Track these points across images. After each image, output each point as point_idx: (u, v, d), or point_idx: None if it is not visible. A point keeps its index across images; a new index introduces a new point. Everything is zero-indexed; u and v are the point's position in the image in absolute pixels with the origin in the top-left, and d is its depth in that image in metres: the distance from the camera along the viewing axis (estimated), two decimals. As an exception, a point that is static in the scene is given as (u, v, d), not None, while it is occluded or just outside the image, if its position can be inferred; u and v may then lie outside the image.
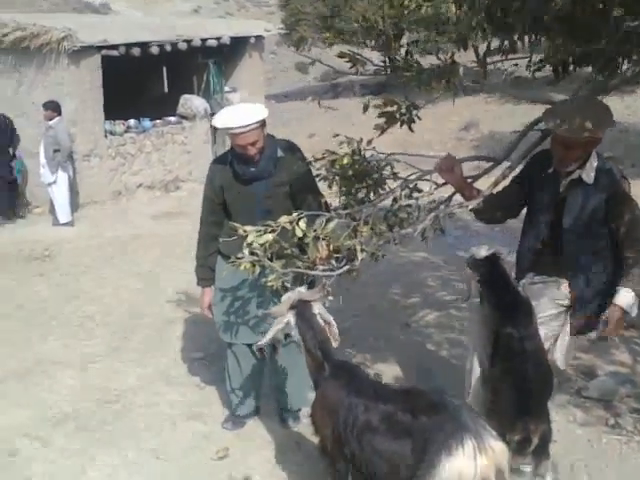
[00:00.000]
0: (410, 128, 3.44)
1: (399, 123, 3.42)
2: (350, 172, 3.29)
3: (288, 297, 3.03)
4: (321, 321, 2.98)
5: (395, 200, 3.47)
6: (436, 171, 3.30)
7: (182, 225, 9.44)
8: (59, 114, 9.38)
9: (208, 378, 4.70)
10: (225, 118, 3.49)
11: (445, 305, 5.85)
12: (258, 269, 3.07)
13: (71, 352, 5.12)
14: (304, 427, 4.03)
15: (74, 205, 10.04)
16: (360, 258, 3.11)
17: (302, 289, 3.07)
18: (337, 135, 3.47)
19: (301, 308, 2.97)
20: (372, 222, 3.22)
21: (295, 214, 3.05)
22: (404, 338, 5.28)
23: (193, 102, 11.87)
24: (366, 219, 3.21)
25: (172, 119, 11.88)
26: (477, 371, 3.47)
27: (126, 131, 11.16)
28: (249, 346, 3.83)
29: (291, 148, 3.73)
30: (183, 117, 11.97)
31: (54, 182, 9.57)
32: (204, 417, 4.24)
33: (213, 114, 12.55)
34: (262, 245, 3.01)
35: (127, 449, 3.86)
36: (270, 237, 3.00)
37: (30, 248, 8.15)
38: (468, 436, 2.45)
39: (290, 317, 2.98)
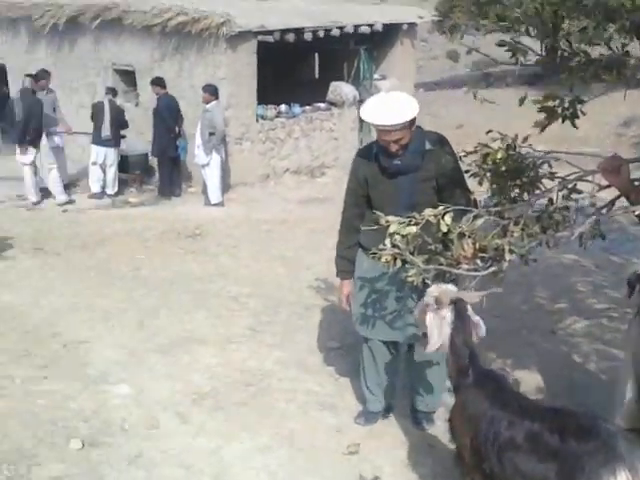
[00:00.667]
0: (573, 124, 3.15)
1: (561, 119, 3.14)
2: (503, 168, 3.06)
3: (445, 290, 2.84)
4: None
5: (551, 201, 3.21)
6: (600, 172, 3.00)
7: (326, 212, 9.48)
8: (216, 98, 9.68)
9: (343, 369, 4.65)
10: (373, 113, 3.32)
11: (596, 313, 5.43)
12: (399, 263, 2.93)
13: (213, 330, 5.23)
14: (437, 430, 3.90)
15: (225, 186, 10.37)
16: (508, 259, 2.89)
17: (452, 286, 2.89)
18: (490, 131, 3.24)
19: (460, 306, 2.80)
20: (524, 222, 2.98)
21: (441, 207, 2.88)
22: (548, 346, 4.95)
23: (342, 89, 11.86)
24: (517, 219, 2.98)
25: (321, 105, 11.96)
26: (632, 390, 3.15)
27: (277, 116, 11.34)
28: (385, 342, 3.72)
29: (440, 141, 3.54)
30: (332, 104, 12.02)
31: (207, 164, 9.91)
32: (337, 409, 4.18)
33: (362, 101, 12.46)
34: (404, 237, 2.86)
35: (261, 432, 3.87)
36: (414, 229, 2.84)
37: (183, 226, 8.48)
38: (622, 468, 2.21)
39: (448, 313, 2.80)
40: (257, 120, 10.97)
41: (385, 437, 3.87)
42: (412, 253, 2.92)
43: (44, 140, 9.83)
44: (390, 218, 2.89)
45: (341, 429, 3.96)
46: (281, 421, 4.01)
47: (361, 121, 12.12)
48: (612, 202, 3.15)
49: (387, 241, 2.89)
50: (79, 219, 9.02)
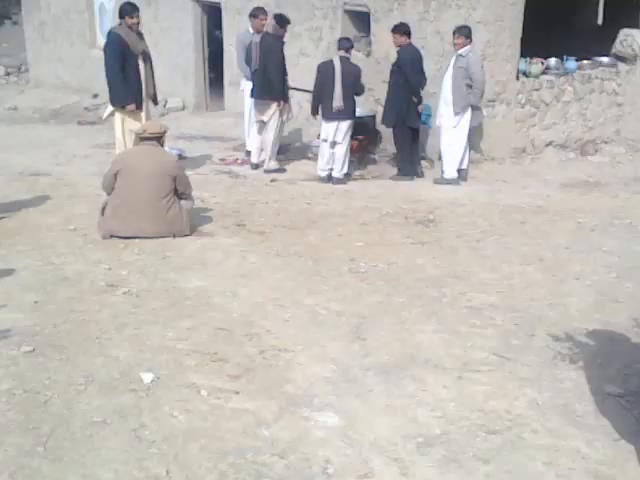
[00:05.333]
0: None
1: None
2: None
3: None
4: None
5: None
6: None
7: (598, 201, 8.90)
8: (471, 41, 9.26)
9: (625, 426, 4.10)
10: None
11: None
12: None
13: (447, 351, 4.91)
14: None
15: (467, 161, 9.97)
16: None
17: None
18: None
19: None
20: None
21: None
22: None
23: (636, 39, 10.96)
24: None
25: (604, 60, 11.28)
26: None
27: (543, 72, 10.82)
28: None
29: None
30: (619, 58, 11.27)
31: (455, 126, 9.52)
32: (615, 485, 3.66)
33: None
34: None
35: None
36: None
37: (412, 208, 8.32)
38: None
39: None
40: (517, 77, 10.51)
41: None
42: None
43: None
44: None
45: (623, 516, 3.44)
46: (538, 492, 3.57)
47: None
48: None
49: None
50: (288, 192, 9.12)
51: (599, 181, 10.04)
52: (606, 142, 11.35)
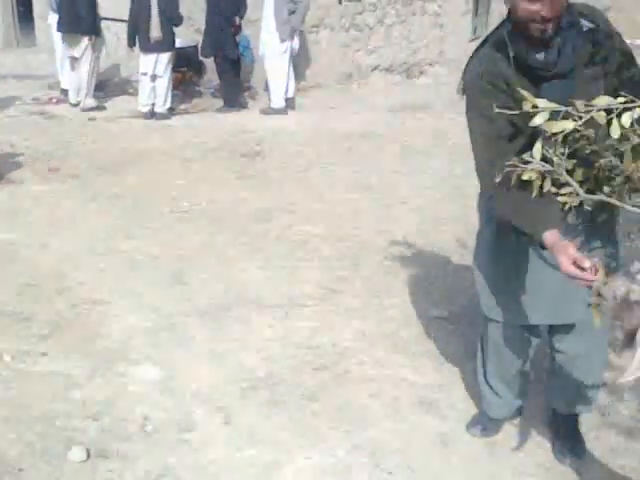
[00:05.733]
0: None
1: None
2: None
3: None
4: None
5: None
6: None
7: (426, 124, 8.99)
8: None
9: (450, 349, 4.13)
10: None
11: None
12: (548, 184, 2.37)
13: (273, 289, 4.80)
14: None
15: (293, 89, 9.83)
16: None
17: None
18: None
19: None
20: None
21: (620, 99, 2.25)
22: None
23: None
24: None
25: None
26: None
27: None
28: (527, 326, 3.12)
29: (600, 17, 2.80)
30: None
31: (281, 54, 9.30)
32: (441, 408, 3.66)
33: None
34: (555, 138, 2.31)
35: (335, 443, 3.39)
36: (570, 125, 2.27)
37: (238, 141, 8.12)
38: None
39: None
40: (340, 1, 10.45)
41: (510, 454, 3.32)
42: (570, 172, 2.40)
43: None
44: (539, 102, 2.31)
45: (447, 441, 3.43)
46: (362, 426, 3.51)
47: (476, 3, 11.43)
48: None
49: (535, 149, 2.36)
50: (108, 130, 8.69)
51: (424, 103, 10.16)
52: (430, 64, 11.51)
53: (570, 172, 2.40)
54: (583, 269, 2.35)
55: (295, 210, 6.15)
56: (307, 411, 3.61)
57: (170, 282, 4.83)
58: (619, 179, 2.41)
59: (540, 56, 2.70)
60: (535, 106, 2.31)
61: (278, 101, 9.59)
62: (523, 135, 2.69)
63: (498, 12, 12.03)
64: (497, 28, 2.86)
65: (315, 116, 9.47)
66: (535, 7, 2.59)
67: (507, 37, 2.74)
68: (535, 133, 2.52)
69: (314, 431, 3.47)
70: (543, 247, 2.56)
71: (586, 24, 2.72)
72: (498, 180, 2.59)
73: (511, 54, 2.72)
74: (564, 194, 2.40)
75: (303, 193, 6.56)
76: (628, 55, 2.78)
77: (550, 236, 2.52)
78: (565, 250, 2.42)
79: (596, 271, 2.29)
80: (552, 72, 2.69)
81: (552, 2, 2.58)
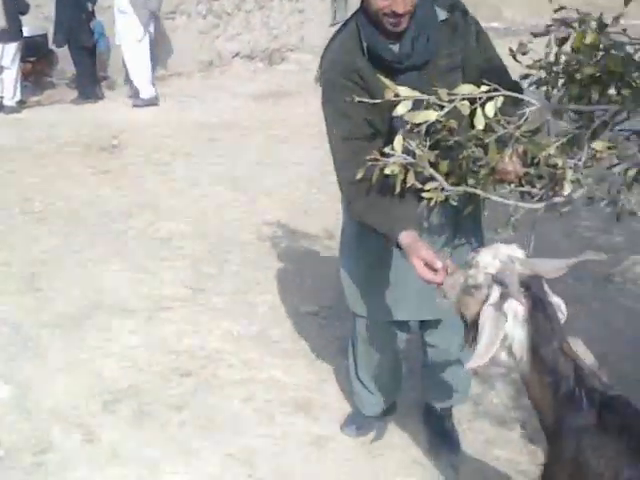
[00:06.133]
0: None
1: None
2: (590, 71, 2.31)
3: (509, 261, 2.09)
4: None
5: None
6: None
7: (290, 111, 8.89)
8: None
9: (323, 346, 4.06)
10: None
11: None
12: (412, 178, 2.27)
13: (135, 291, 4.59)
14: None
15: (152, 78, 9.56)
16: (567, 190, 2.25)
17: (516, 249, 2.13)
18: (561, 9, 2.45)
19: (538, 290, 2.07)
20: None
21: (483, 88, 2.18)
22: (603, 298, 4.41)
23: None
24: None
25: None
26: None
27: None
28: (395, 321, 3.06)
29: (456, 5, 2.74)
30: None
31: (141, 40, 8.98)
32: (315, 409, 3.59)
33: None
34: (417, 130, 2.21)
35: (205, 454, 3.25)
36: (433, 116, 2.17)
37: (95, 135, 7.80)
38: None
39: (516, 307, 2.04)
40: None
41: (385, 451, 3.27)
42: (434, 165, 2.32)
43: None
44: (401, 89, 2.21)
45: (322, 442, 3.35)
46: (234, 434, 3.38)
47: None
48: None
49: (396, 142, 2.25)
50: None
51: (288, 90, 10.07)
52: (292, 50, 11.47)
53: (434, 165, 2.32)
54: (436, 270, 2.32)
55: (157, 206, 5.94)
56: (175, 422, 3.46)
57: (22, 290, 4.55)
58: (484, 171, 2.35)
59: (394, 48, 2.62)
60: (397, 95, 2.20)
61: (147, 91, 9.27)
62: (380, 135, 2.62)
63: (357, -3, 12.11)
64: (351, 17, 2.76)
65: (176, 106, 9.24)
66: (386, 2, 2.51)
67: (360, 28, 2.64)
68: (392, 133, 2.44)
69: (183, 443, 3.32)
70: (400, 248, 2.50)
71: (442, 14, 2.66)
72: (354, 181, 2.52)
73: (364, 45, 2.63)
74: (428, 190, 2.31)
75: (165, 188, 6.36)
76: (486, 41, 2.74)
77: (406, 237, 2.46)
78: (418, 252, 2.38)
79: (447, 271, 2.28)
80: (406, 64, 2.61)
81: None
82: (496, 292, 2.02)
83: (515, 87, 2.47)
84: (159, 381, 3.73)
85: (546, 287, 2.08)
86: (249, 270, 4.89)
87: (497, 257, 2.08)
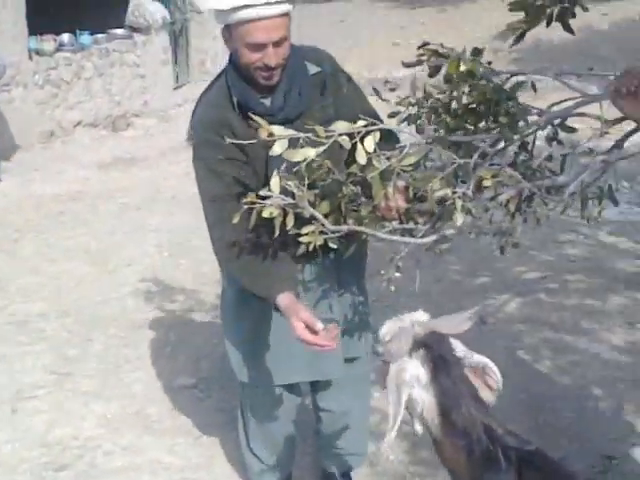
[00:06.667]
0: (569, 29, 2.46)
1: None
2: (465, 100, 2.32)
3: (402, 326, 2.06)
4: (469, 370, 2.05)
5: (524, 146, 2.52)
6: (609, 97, 2.33)
7: (139, 177, 8.68)
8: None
9: (205, 420, 3.86)
10: None
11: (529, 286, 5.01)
12: (291, 220, 2.16)
13: (-5, 381, 4.23)
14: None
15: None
16: (459, 220, 2.20)
17: (421, 314, 2.10)
18: (425, 45, 2.46)
19: (439, 349, 2.02)
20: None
21: (361, 123, 2.09)
22: (478, 342, 4.44)
23: (147, 8, 11.12)
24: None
25: (119, 32, 11.20)
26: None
27: (58, 50, 10.37)
28: (286, 386, 2.93)
29: (326, 59, 2.74)
30: (134, 29, 11.27)
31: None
32: (205, 489, 3.39)
33: (173, 23, 11.66)
34: (295, 169, 2.13)
35: None
36: (312, 153, 2.07)
37: None
38: None
39: (419, 370, 1.99)
40: (30, 57, 9.93)
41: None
42: (313, 205, 2.21)
43: None
44: (276, 129, 2.10)
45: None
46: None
47: (176, 51, 11.44)
48: (623, 139, 2.50)
49: (273, 183, 2.15)
50: None
51: (136, 156, 9.83)
52: (137, 115, 11.26)
53: (313, 206, 2.24)
54: (316, 332, 2.30)
55: (7, 288, 5.57)
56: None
57: None
58: (365, 209, 2.29)
59: (266, 102, 2.59)
60: (271, 134, 2.11)
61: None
62: (255, 191, 2.54)
63: (198, 60, 12.12)
64: (221, 73, 2.72)
65: (19, 180, 8.77)
66: (258, 55, 2.47)
67: (230, 82, 2.60)
68: (269, 182, 2.36)
69: None
70: (278, 310, 2.46)
71: (312, 68, 2.65)
72: (226, 241, 2.52)
73: (235, 100, 2.57)
74: (306, 233, 2.22)
75: (15, 267, 5.98)
76: (358, 92, 2.76)
77: (283, 299, 2.43)
78: (297, 314, 2.35)
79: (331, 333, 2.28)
80: (279, 118, 2.55)
81: (276, 51, 2.49)
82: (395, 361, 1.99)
83: (390, 132, 2.45)
84: (31, 476, 3.44)
85: (463, 348, 2.05)
86: (116, 347, 4.63)
87: (396, 325, 2.05)
